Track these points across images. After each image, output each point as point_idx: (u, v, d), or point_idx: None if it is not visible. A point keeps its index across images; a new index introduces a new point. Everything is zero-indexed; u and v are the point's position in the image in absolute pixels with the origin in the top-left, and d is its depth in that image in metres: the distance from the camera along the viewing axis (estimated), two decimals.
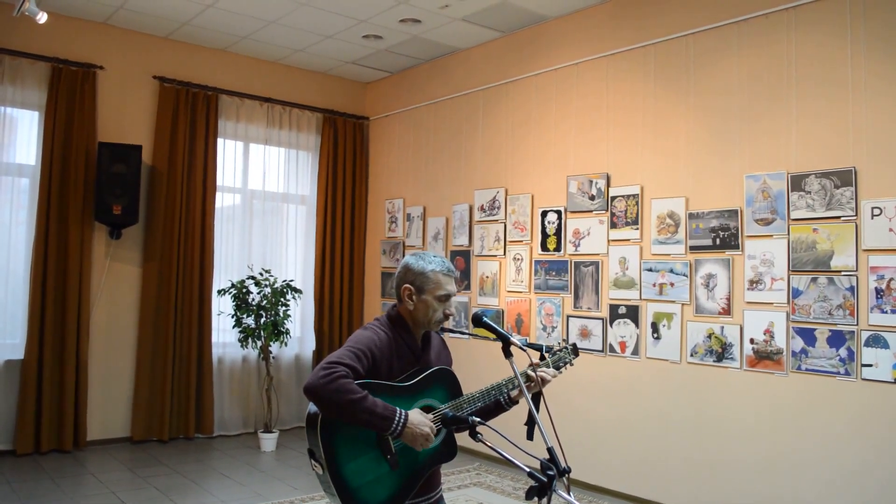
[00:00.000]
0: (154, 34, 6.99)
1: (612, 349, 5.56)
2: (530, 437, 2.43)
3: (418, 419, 2.33)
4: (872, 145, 4.29)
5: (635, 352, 5.40)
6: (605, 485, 5.52)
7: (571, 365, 2.82)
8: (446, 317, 2.56)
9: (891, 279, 4.16)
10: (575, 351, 2.83)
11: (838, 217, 4.38)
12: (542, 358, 2.73)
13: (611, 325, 5.57)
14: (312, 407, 2.35)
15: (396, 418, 2.28)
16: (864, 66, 4.35)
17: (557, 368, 2.73)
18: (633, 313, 5.44)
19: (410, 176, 7.71)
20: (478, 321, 2.51)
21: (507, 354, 2.43)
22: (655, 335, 5.28)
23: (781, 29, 4.73)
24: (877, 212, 4.23)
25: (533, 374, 2.60)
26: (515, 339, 2.45)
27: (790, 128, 4.65)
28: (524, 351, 2.46)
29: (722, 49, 5.05)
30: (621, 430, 5.46)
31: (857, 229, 4.30)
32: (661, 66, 5.41)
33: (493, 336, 2.47)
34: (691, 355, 5.06)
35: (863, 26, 4.36)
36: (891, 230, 4.17)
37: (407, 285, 2.54)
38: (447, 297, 2.54)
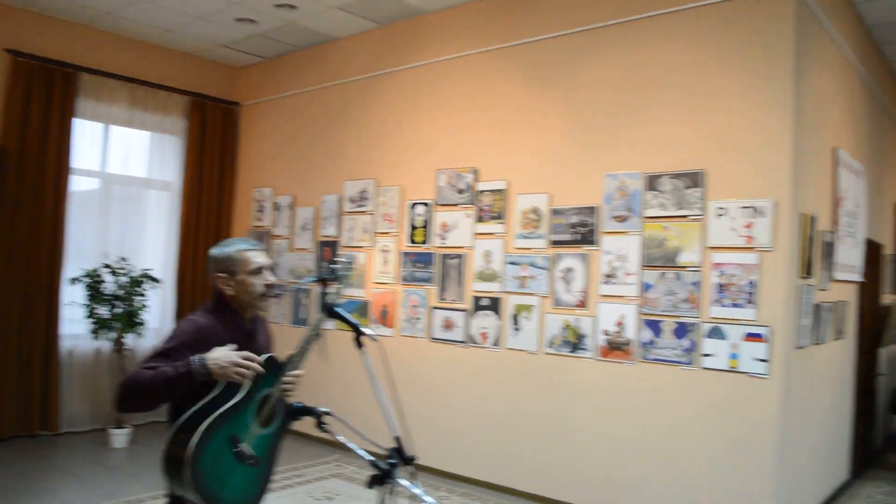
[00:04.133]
0: (8, 3, 6.46)
1: (472, 340, 5.65)
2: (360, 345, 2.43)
3: (215, 354, 2.33)
4: (720, 149, 4.56)
5: (496, 343, 5.52)
6: (463, 472, 5.61)
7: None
8: (268, 288, 2.61)
9: (732, 275, 4.45)
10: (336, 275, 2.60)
11: (686, 216, 4.64)
12: (326, 281, 2.58)
13: (473, 317, 5.67)
14: (168, 451, 2.28)
15: (194, 365, 2.29)
16: (715, 74, 4.62)
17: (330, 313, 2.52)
18: (495, 305, 5.55)
19: (281, 165, 7.53)
20: (330, 311, 2.49)
21: (359, 345, 2.44)
22: (516, 326, 5.41)
23: (646, 36, 4.94)
24: (721, 212, 4.51)
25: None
26: (366, 330, 2.45)
27: (648, 130, 4.87)
28: (375, 341, 2.48)
29: (589, 52, 5.21)
30: (481, 419, 5.56)
31: (704, 228, 4.58)
32: (531, 65, 5.53)
33: (346, 326, 2.46)
34: (549, 346, 5.21)
35: (716, 38, 4.63)
36: (733, 229, 4.46)
37: (218, 274, 2.58)
38: (259, 269, 2.59)
